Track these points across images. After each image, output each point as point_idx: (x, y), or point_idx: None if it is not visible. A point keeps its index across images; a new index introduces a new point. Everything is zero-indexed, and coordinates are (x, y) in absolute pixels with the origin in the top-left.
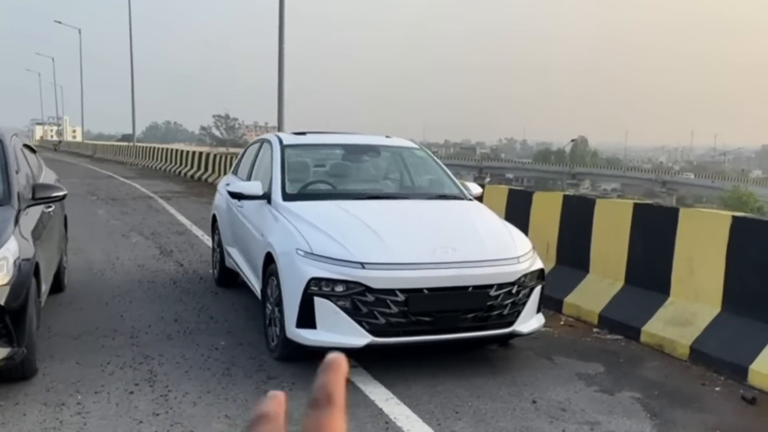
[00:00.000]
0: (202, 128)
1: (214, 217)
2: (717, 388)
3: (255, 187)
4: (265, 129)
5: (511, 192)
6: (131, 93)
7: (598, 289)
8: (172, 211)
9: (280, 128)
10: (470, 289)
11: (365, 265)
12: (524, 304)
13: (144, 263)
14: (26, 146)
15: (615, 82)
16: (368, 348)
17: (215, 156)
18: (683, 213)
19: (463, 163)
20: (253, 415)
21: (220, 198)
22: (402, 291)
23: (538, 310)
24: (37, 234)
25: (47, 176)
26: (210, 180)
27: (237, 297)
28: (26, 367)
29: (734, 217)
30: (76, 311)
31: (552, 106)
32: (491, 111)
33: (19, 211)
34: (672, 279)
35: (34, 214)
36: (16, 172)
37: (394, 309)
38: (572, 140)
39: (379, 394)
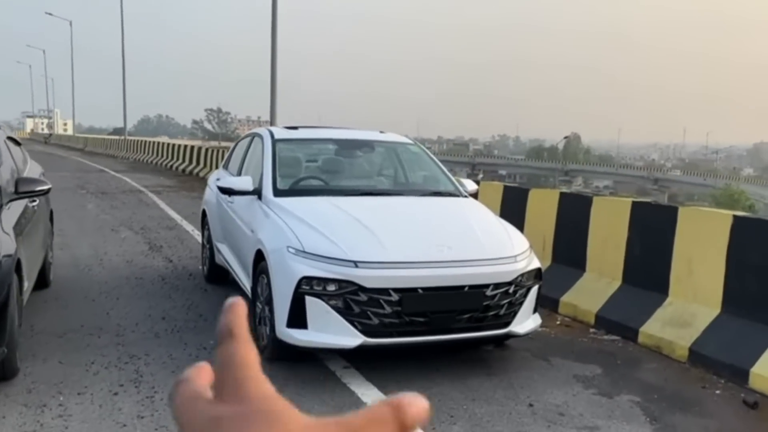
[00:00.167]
0: (195, 122)
1: (204, 213)
2: (717, 392)
3: (245, 182)
4: (257, 123)
5: (506, 189)
6: (122, 86)
7: (594, 288)
8: (163, 205)
9: (272, 122)
10: (466, 288)
11: (358, 264)
12: (521, 304)
13: (132, 259)
14: (10, 139)
15: (608, 79)
16: (361, 349)
17: (207, 150)
18: (682, 212)
19: (456, 159)
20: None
21: (210, 193)
22: (396, 290)
23: (535, 311)
24: (19, 229)
25: (32, 169)
26: (201, 174)
27: (227, 294)
28: (7, 367)
29: (735, 217)
30: (61, 308)
31: (545, 103)
32: (484, 107)
33: (0, 206)
34: (671, 279)
35: (16, 208)
36: None
37: (388, 309)
38: (565, 137)
39: (371, 396)
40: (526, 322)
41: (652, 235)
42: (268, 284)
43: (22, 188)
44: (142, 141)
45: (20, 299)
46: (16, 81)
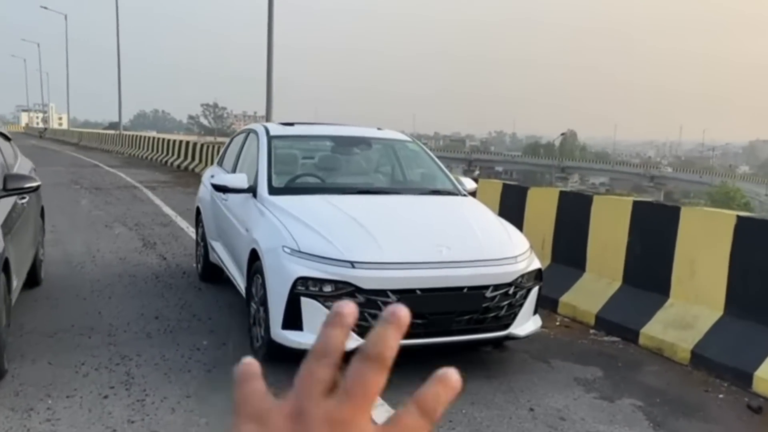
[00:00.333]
0: (190, 117)
1: (198, 210)
2: (721, 396)
3: (240, 179)
4: (253, 118)
5: (505, 187)
6: (118, 81)
7: (594, 288)
8: (157, 201)
9: (268, 118)
10: (465, 290)
11: (355, 265)
12: (521, 305)
13: (126, 256)
14: (0, 134)
15: (605, 76)
16: (357, 351)
17: (202, 145)
18: (685, 212)
19: (453, 155)
20: (236, 376)
21: (205, 190)
22: (394, 292)
23: (535, 312)
24: (7, 227)
25: (22, 165)
26: (197, 170)
27: (221, 293)
28: None
29: (739, 217)
30: (51, 307)
31: (542, 99)
32: (481, 104)
33: None
34: (672, 280)
35: (5, 205)
36: None
37: None
38: (562, 134)
39: None
40: (526, 323)
41: (653, 235)
42: (263, 284)
43: (10, 185)
44: (137, 136)
45: (8, 298)
46: (11, 75)
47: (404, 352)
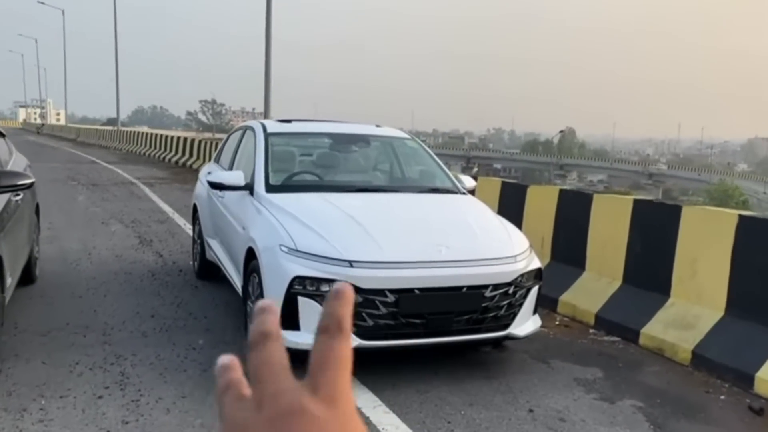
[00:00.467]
0: (189, 113)
1: (195, 207)
2: (722, 397)
3: (237, 177)
4: (252, 115)
5: (504, 185)
6: (116, 76)
7: (594, 288)
8: (155, 198)
9: (266, 115)
10: (464, 289)
11: (353, 264)
12: (521, 305)
13: (122, 253)
14: None
15: (604, 74)
16: (355, 352)
17: (200, 142)
18: (686, 211)
19: (452, 152)
20: (218, 366)
21: (201, 187)
22: (392, 291)
23: (535, 312)
24: (0, 224)
25: (17, 162)
26: (195, 166)
27: (218, 291)
28: None
29: (741, 217)
30: (46, 305)
31: (541, 97)
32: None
33: None
34: (673, 279)
35: None
36: None
37: (384, 310)
38: (560, 131)
39: (366, 400)
40: (525, 323)
41: (654, 234)
42: (260, 283)
43: (3, 182)
44: (135, 132)
45: (2, 296)
46: (8, 70)
47: (403, 352)
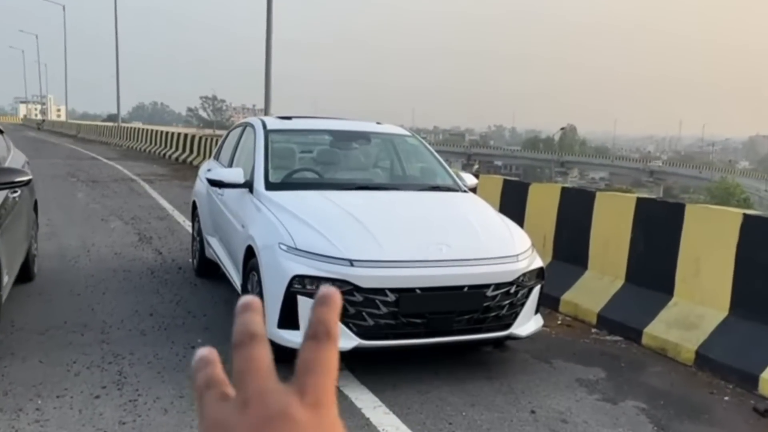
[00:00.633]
0: (189, 109)
1: (194, 204)
2: (726, 398)
3: (236, 174)
4: (252, 111)
5: (506, 183)
6: (116, 72)
7: (597, 287)
8: (155, 194)
9: (266, 112)
10: (466, 289)
11: (354, 263)
12: (523, 305)
13: (121, 251)
14: None
15: (605, 70)
16: (356, 351)
17: (201, 138)
18: (690, 209)
19: (452, 149)
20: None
21: (201, 184)
22: (392, 291)
23: (537, 311)
24: None
25: (15, 158)
26: (195, 163)
27: (217, 289)
28: None
29: (746, 215)
30: (44, 303)
31: (542, 94)
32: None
33: None
34: (676, 279)
35: None
36: None
37: (384, 310)
38: (561, 128)
39: (366, 401)
40: (527, 323)
41: (657, 233)
42: (259, 282)
43: (0, 179)
44: (135, 128)
45: None
46: (9, 66)
47: (404, 352)
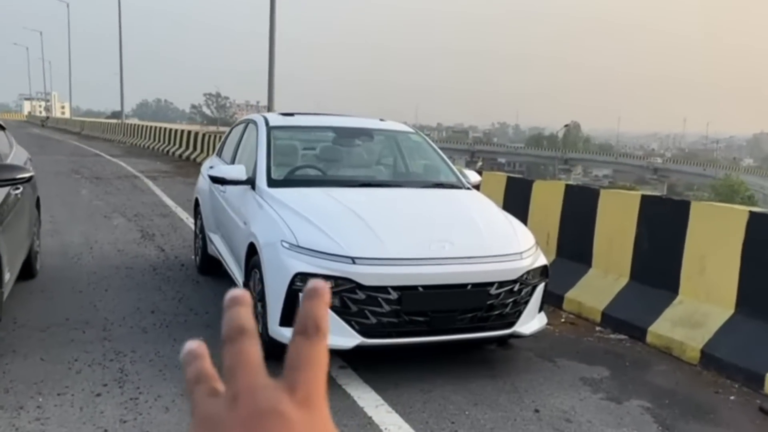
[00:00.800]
0: (193, 107)
1: (197, 201)
2: (732, 397)
3: (238, 171)
4: (256, 108)
5: (509, 180)
6: (120, 70)
7: (601, 285)
8: (158, 191)
9: (270, 108)
10: (469, 287)
11: (356, 260)
12: (526, 303)
13: (124, 248)
14: None
15: (609, 68)
16: (358, 349)
17: (204, 135)
18: (695, 207)
19: (456, 146)
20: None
21: (203, 181)
22: (395, 288)
23: (540, 309)
24: None
25: (17, 155)
26: (199, 160)
27: (219, 287)
28: None
29: (751, 213)
30: (46, 300)
31: (545, 91)
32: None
33: None
34: (681, 277)
35: None
36: None
37: (387, 308)
38: (565, 126)
39: (368, 400)
40: (531, 322)
41: (662, 231)
42: (261, 280)
43: (1, 176)
44: (139, 125)
45: (0, 292)
46: (14, 63)
47: (406, 351)
